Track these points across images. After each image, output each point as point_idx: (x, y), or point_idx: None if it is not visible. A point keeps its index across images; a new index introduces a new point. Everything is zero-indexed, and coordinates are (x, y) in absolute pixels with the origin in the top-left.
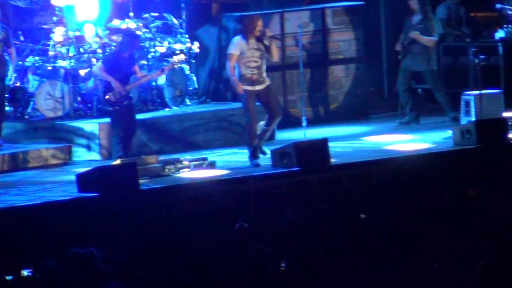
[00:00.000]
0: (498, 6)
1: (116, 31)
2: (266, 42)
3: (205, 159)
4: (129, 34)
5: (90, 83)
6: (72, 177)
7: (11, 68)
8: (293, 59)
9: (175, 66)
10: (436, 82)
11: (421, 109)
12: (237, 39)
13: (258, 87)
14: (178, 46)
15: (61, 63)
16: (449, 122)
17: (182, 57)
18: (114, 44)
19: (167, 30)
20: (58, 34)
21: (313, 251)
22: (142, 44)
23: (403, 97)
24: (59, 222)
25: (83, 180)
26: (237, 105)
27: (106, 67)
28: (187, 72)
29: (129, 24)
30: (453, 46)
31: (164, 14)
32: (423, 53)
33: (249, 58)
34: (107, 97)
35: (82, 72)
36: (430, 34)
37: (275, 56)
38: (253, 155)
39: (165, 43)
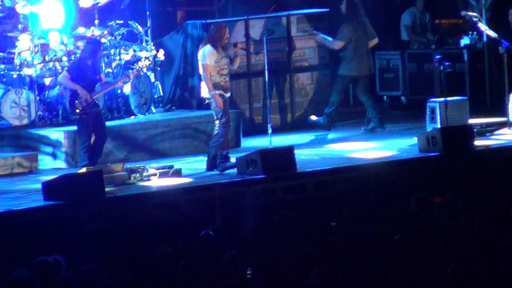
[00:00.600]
0: (463, 13)
1: (81, 38)
2: (233, 51)
3: (171, 167)
4: (91, 42)
5: (56, 91)
6: (38, 186)
7: None
8: (258, 67)
9: (141, 72)
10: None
11: (386, 116)
12: (209, 48)
13: (228, 94)
14: (143, 54)
15: (26, 71)
16: (415, 129)
17: (146, 62)
18: (79, 51)
19: (132, 38)
20: (23, 42)
21: (279, 258)
22: (105, 51)
23: (367, 103)
24: (25, 230)
25: (49, 189)
26: (203, 112)
27: (72, 76)
28: (152, 79)
29: (94, 31)
30: (418, 53)
31: (129, 22)
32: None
33: (222, 66)
34: (77, 109)
35: (48, 80)
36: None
37: (237, 65)
38: (227, 157)
39: (130, 51)
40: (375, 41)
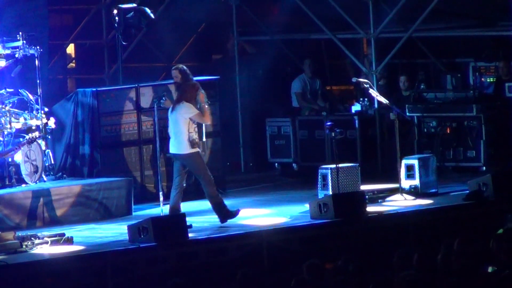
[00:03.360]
0: (354, 79)
1: None
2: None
3: (62, 234)
4: None
5: None
6: None
7: None
8: (149, 134)
9: (30, 144)
10: None
11: (278, 183)
12: (189, 105)
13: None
14: (34, 122)
15: None
16: (307, 196)
17: (36, 134)
18: None
19: (23, 106)
20: None
21: None
22: None
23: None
24: None
25: None
26: (94, 181)
27: None
28: (44, 147)
29: None
30: (309, 120)
31: (20, 90)
32: None
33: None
34: None
35: None
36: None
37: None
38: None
39: (21, 119)
40: None
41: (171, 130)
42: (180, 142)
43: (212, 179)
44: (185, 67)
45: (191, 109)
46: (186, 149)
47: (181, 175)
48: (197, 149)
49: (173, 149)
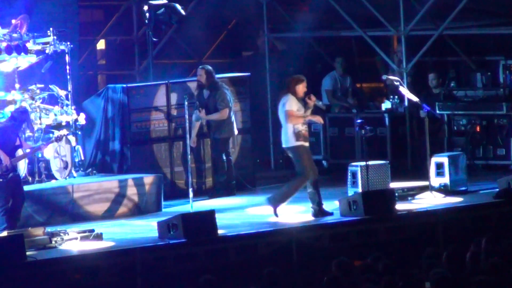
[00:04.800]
0: (384, 77)
1: (5, 105)
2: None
3: (91, 230)
4: (19, 111)
5: None
6: None
7: None
8: (179, 131)
9: (59, 141)
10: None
11: None
12: (289, 96)
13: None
14: (64, 118)
15: None
16: (337, 193)
17: (64, 132)
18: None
19: (53, 102)
20: None
21: None
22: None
23: None
24: None
25: None
26: (123, 177)
27: None
28: (74, 143)
29: (15, 95)
30: (339, 117)
31: (50, 86)
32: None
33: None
34: None
35: None
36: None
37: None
38: None
39: (51, 115)
40: None
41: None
42: (285, 135)
43: (307, 180)
44: (210, 68)
45: (286, 102)
46: (290, 142)
47: None
48: (301, 142)
49: (282, 142)
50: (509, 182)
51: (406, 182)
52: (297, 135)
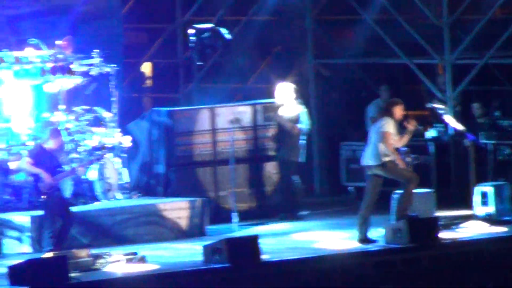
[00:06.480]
0: (430, 105)
1: (46, 123)
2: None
3: (134, 253)
4: (54, 130)
5: (22, 176)
6: (4, 270)
7: None
8: (224, 155)
9: (97, 161)
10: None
11: (353, 207)
12: (388, 119)
13: None
14: (108, 140)
15: None
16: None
17: (102, 152)
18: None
19: (98, 124)
20: None
21: None
22: (70, 137)
23: None
24: None
25: (14, 273)
26: (168, 200)
27: (34, 161)
28: (118, 166)
29: (58, 116)
30: None
31: (95, 108)
32: None
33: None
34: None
35: (12, 164)
36: None
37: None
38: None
39: (96, 137)
40: None
41: None
42: (374, 152)
43: (413, 183)
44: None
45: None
46: (381, 159)
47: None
48: (389, 158)
49: (368, 160)
50: None
51: (450, 211)
52: (386, 154)
